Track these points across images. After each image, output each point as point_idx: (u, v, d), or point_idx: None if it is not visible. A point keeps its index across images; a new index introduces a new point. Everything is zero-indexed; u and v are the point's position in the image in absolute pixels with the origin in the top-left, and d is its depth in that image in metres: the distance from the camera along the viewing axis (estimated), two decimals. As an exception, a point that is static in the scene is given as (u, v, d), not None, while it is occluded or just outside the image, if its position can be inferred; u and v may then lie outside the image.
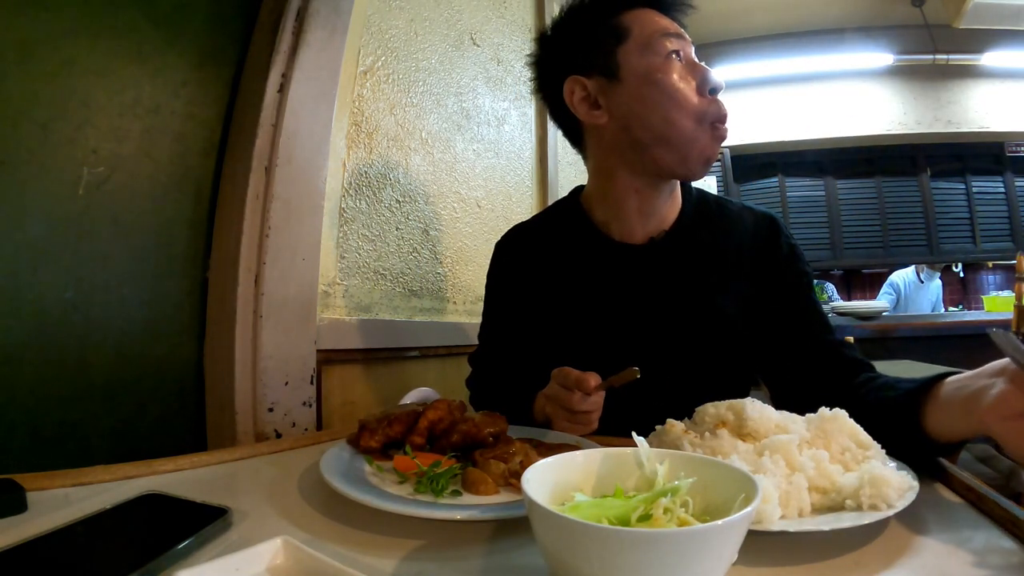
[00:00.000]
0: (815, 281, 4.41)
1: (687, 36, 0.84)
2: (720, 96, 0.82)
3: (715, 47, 4.37)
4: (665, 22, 0.83)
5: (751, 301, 0.86)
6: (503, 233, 1.04)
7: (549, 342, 0.91)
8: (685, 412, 0.64)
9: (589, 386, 0.68)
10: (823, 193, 4.79)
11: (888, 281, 4.45)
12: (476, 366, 1.05)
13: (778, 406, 0.59)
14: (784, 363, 0.84)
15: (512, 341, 0.97)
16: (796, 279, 0.87)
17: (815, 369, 0.80)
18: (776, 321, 0.85)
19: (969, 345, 2.89)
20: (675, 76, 0.80)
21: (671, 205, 0.90)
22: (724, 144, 0.84)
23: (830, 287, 4.70)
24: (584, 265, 0.91)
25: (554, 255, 0.94)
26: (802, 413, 0.58)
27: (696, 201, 0.93)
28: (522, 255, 0.98)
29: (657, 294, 0.87)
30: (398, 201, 1.31)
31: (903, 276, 4.42)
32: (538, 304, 0.93)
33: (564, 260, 0.92)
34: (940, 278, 4.48)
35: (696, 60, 0.83)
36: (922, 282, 4.35)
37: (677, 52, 0.81)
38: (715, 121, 0.80)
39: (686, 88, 0.80)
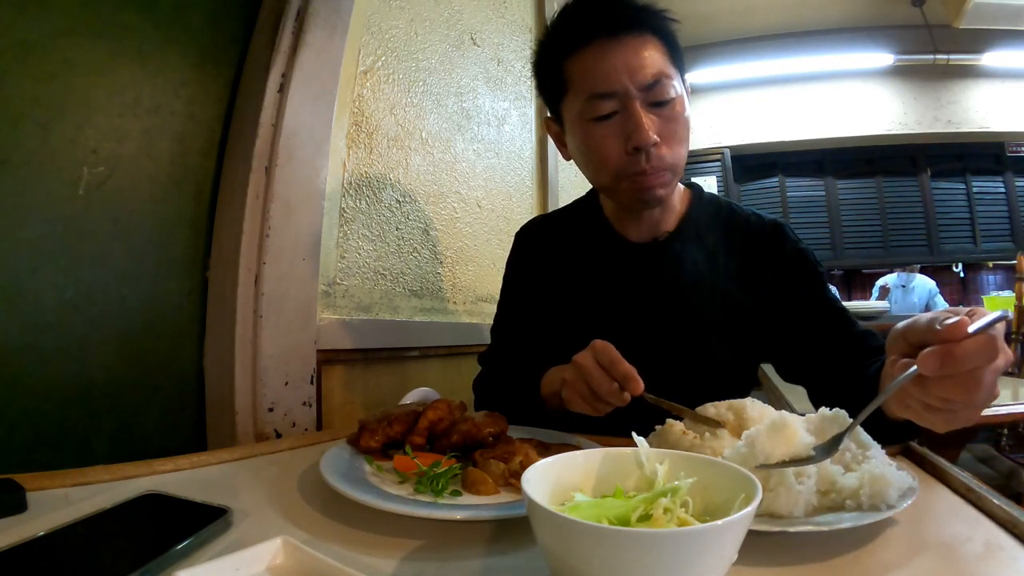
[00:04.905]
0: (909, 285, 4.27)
1: (625, 83, 0.75)
2: (655, 144, 0.76)
3: (716, 47, 4.37)
4: (602, 70, 0.76)
5: (753, 305, 0.87)
6: (503, 233, 1.05)
7: (558, 334, 0.92)
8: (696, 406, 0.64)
9: (639, 389, 0.63)
10: (823, 193, 4.79)
11: (877, 283, 4.53)
12: (486, 364, 1.03)
13: (819, 406, 0.57)
14: (817, 363, 0.84)
15: (526, 332, 0.98)
16: (808, 280, 0.87)
17: (847, 364, 0.79)
18: (799, 324, 0.85)
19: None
20: (598, 138, 0.79)
21: (673, 208, 0.92)
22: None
23: (833, 290, 4.70)
24: (594, 259, 0.93)
25: (569, 247, 0.96)
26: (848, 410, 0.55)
27: (706, 203, 0.94)
28: (541, 246, 1.01)
29: (658, 292, 0.88)
30: (398, 201, 1.31)
31: (889, 279, 4.50)
32: (551, 292, 0.95)
33: (577, 252, 0.95)
34: (929, 276, 4.52)
35: (632, 111, 0.76)
36: (903, 286, 4.42)
37: (605, 116, 0.77)
38: (633, 175, 0.79)
39: (611, 147, 0.78)
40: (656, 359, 0.86)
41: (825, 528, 0.42)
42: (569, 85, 0.81)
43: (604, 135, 0.78)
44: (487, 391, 0.99)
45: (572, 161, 0.90)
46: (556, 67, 0.82)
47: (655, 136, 0.76)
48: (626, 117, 0.77)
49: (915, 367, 0.43)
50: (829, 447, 0.47)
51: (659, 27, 0.79)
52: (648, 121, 0.76)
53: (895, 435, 0.60)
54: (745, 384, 0.93)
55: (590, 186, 0.97)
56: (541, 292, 0.97)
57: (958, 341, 0.42)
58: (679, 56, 0.81)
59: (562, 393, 0.71)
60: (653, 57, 0.77)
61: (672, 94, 0.78)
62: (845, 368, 0.78)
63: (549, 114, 0.91)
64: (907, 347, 0.48)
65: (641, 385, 0.63)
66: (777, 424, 0.49)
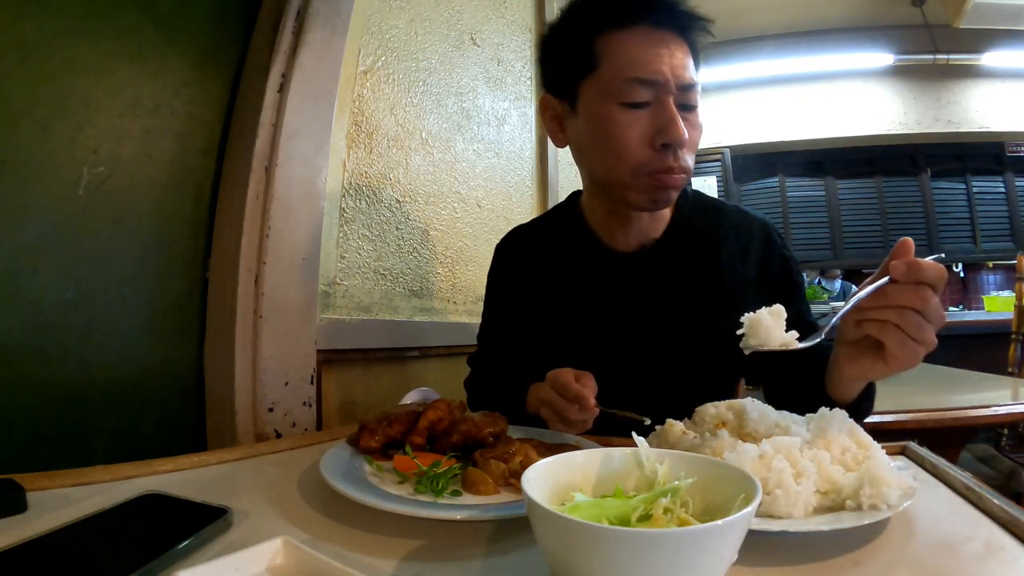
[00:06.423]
0: (826, 281, 4.51)
1: (668, 76, 0.73)
2: (681, 147, 0.75)
3: (715, 47, 4.37)
4: (646, 55, 0.74)
5: (739, 306, 0.86)
6: (503, 233, 1.05)
7: (544, 343, 0.91)
8: (682, 412, 0.64)
9: (589, 404, 0.68)
10: (823, 193, 4.80)
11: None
12: (475, 367, 1.05)
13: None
14: (778, 369, 0.83)
15: (510, 342, 0.97)
16: (787, 290, 0.87)
17: (806, 375, 0.79)
18: None
19: (969, 345, 2.89)
20: (623, 125, 0.74)
21: (662, 213, 0.89)
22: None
23: (838, 284, 4.72)
24: (578, 270, 0.91)
25: (551, 259, 0.94)
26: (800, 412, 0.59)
27: (691, 206, 0.91)
28: (521, 257, 0.99)
29: (645, 302, 0.86)
30: (398, 201, 1.31)
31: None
32: (535, 306, 0.93)
33: (560, 264, 0.93)
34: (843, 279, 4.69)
35: (667, 105, 0.74)
36: (824, 288, 4.54)
37: (636, 104, 0.74)
38: (656, 172, 0.76)
39: (635, 138, 0.74)
40: (651, 366, 0.85)
41: (825, 528, 0.42)
42: (599, 63, 0.76)
43: (630, 123, 0.75)
44: (479, 394, 1.00)
45: (568, 152, 0.86)
46: (585, 41, 0.77)
47: (687, 135, 0.74)
48: (660, 110, 0.74)
49: (886, 278, 0.54)
50: (814, 337, 0.59)
51: (694, 40, 0.78)
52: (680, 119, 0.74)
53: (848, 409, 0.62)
54: (736, 383, 0.92)
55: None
56: (526, 306, 0.95)
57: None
58: (698, 71, 0.80)
59: (549, 428, 0.75)
60: (689, 62, 0.76)
61: (697, 102, 0.77)
62: (803, 378, 0.77)
63: (548, 92, 0.85)
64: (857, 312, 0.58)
65: (591, 402, 0.68)
66: (775, 311, 0.57)
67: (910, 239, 0.55)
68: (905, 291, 0.54)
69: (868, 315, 0.57)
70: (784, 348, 0.57)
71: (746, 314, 0.59)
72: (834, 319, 0.61)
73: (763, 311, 0.58)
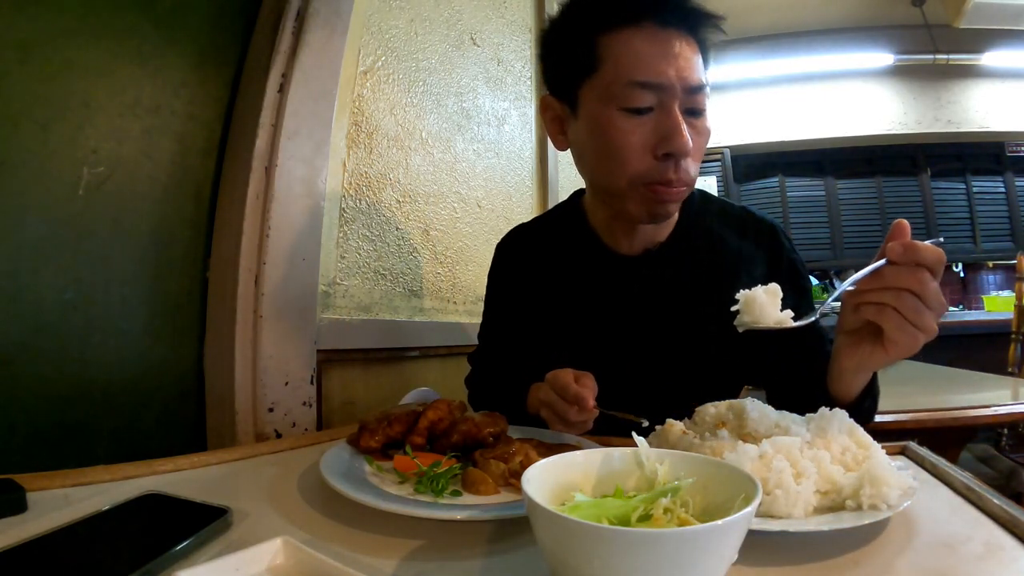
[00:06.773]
0: (839, 282, 4.52)
1: (673, 79, 0.69)
2: (684, 156, 0.72)
3: (715, 47, 4.37)
4: (650, 57, 0.70)
5: None
6: (503, 233, 1.05)
7: (545, 343, 0.91)
8: (683, 414, 0.64)
9: (588, 405, 0.67)
10: (823, 193, 4.79)
11: None
12: (475, 364, 1.05)
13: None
14: (782, 372, 0.83)
15: (511, 341, 0.97)
16: (795, 294, 0.85)
17: (810, 378, 0.78)
18: (773, 335, 0.84)
19: (969, 345, 2.89)
20: (623, 132, 0.71)
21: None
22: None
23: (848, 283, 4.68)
24: (580, 272, 0.90)
25: (553, 259, 0.93)
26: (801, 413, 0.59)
27: (697, 208, 0.89)
28: (522, 257, 0.98)
29: (649, 305, 0.85)
30: (398, 201, 1.31)
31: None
32: (536, 306, 0.93)
33: (562, 265, 0.92)
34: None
35: (672, 111, 0.70)
36: (835, 288, 4.48)
37: (639, 109, 0.70)
38: (654, 184, 0.72)
39: (635, 145, 0.71)
40: (652, 368, 0.85)
41: (825, 528, 0.42)
42: (600, 64, 0.72)
43: (631, 130, 0.71)
44: (480, 393, 1.00)
45: (569, 153, 0.84)
46: (586, 40, 0.73)
47: (691, 144, 0.70)
48: (663, 116, 0.70)
49: (883, 260, 0.54)
50: (809, 316, 0.58)
51: (704, 38, 0.74)
52: (685, 128, 0.70)
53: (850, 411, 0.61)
54: (739, 384, 0.92)
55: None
56: (526, 305, 0.94)
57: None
58: (707, 71, 0.76)
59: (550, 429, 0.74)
60: (698, 63, 0.72)
61: (705, 106, 0.73)
62: (807, 381, 0.75)
63: (550, 92, 0.82)
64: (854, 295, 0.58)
65: (590, 403, 0.67)
66: (771, 290, 0.57)
67: (905, 221, 0.54)
68: (902, 273, 0.53)
69: (865, 298, 0.56)
70: (779, 326, 0.56)
71: (741, 291, 0.58)
72: (831, 298, 0.61)
73: (758, 289, 0.57)
